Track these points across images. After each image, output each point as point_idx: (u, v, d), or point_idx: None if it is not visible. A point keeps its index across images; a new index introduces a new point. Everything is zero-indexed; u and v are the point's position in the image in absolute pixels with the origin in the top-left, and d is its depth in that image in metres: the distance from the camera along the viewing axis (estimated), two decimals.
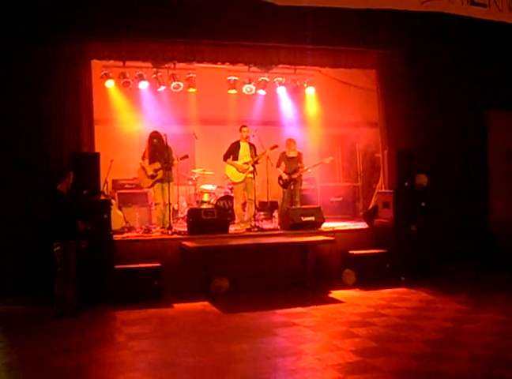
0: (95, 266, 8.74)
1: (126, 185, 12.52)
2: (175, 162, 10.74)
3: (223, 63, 10.88)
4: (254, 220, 11.08)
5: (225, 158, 11.28)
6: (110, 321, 7.85)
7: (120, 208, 11.43)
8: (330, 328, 7.16)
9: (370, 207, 11.68)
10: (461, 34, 11.16)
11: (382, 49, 11.00)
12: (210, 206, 11.65)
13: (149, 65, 11.76)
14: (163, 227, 10.52)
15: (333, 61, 11.03)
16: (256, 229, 10.72)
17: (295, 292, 9.48)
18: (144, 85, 12.69)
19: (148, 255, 9.39)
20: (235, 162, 11.20)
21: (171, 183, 10.72)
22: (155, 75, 12.56)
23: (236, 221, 11.51)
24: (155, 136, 10.71)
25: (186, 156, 10.96)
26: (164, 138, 10.64)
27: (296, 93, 13.89)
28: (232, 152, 11.27)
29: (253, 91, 13.50)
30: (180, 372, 5.67)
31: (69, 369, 5.82)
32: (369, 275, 9.88)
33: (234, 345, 6.51)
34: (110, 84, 12.50)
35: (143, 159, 10.79)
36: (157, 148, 10.67)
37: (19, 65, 9.26)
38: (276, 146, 11.38)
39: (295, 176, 11.78)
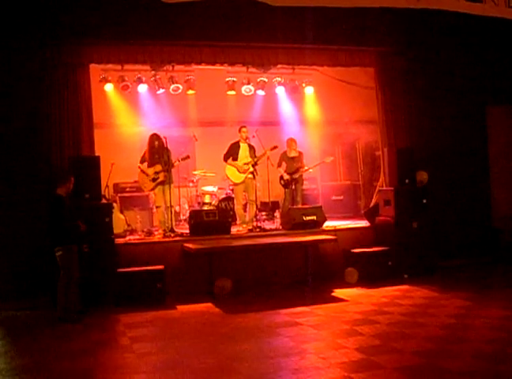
0: (97, 270, 8.76)
1: (127, 189, 12.52)
2: (176, 163, 10.75)
3: (221, 64, 10.87)
4: (256, 221, 11.10)
5: (225, 158, 11.31)
6: (113, 325, 7.86)
7: (122, 212, 11.46)
8: (334, 326, 7.16)
9: (372, 205, 11.67)
10: (460, 30, 11.15)
11: (380, 47, 10.99)
12: (212, 207, 11.66)
13: (148, 68, 11.74)
14: (164, 230, 10.53)
15: (332, 60, 10.99)
16: (258, 229, 10.71)
17: (298, 292, 9.48)
18: (143, 88, 12.68)
19: (150, 258, 9.40)
20: (235, 162, 11.22)
21: (171, 185, 10.73)
22: (153, 78, 12.54)
23: (238, 222, 11.52)
24: (155, 139, 10.70)
25: (188, 157, 10.97)
26: (164, 141, 10.65)
27: (295, 93, 13.88)
28: (232, 153, 11.29)
29: (252, 92, 13.47)
30: (185, 373, 5.67)
31: (74, 373, 5.84)
32: (372, 273, 9.87)
33: (238, 345, 6.51)
34: (109, 87, 12.49)
35: (142, 162, 10.81)
36: (157, 151, 10.68)
37: (18, 70, 9.28)
38: (275, 147, 11.38)
39: (296, 176, 11.79)
